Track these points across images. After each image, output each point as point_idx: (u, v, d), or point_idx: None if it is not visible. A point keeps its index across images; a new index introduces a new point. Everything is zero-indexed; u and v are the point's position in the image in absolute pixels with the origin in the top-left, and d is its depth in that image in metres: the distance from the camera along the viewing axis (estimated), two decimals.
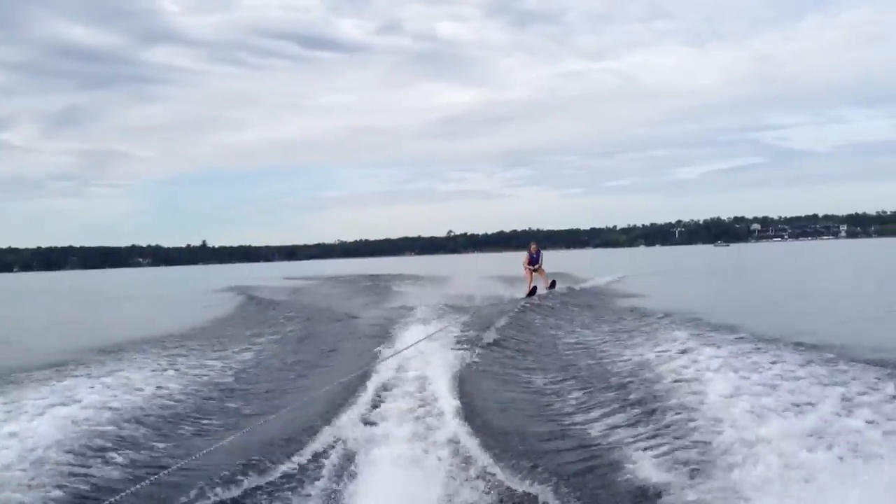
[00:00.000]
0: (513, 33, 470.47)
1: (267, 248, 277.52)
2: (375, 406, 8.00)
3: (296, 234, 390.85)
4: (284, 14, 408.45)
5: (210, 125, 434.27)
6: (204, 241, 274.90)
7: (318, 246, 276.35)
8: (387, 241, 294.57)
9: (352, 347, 13.34)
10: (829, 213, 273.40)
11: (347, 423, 7.32)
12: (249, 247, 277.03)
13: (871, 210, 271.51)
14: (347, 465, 6.16)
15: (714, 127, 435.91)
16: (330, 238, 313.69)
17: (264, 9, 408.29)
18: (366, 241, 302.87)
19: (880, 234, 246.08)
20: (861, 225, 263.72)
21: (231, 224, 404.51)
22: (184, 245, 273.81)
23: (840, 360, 9.24)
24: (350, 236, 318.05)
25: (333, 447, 6.62)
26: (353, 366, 10.42)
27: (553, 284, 23.05)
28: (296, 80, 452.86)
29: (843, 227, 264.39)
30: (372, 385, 8.84)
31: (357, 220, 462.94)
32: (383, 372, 9.57)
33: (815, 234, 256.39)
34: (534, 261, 22.71)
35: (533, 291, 22.11)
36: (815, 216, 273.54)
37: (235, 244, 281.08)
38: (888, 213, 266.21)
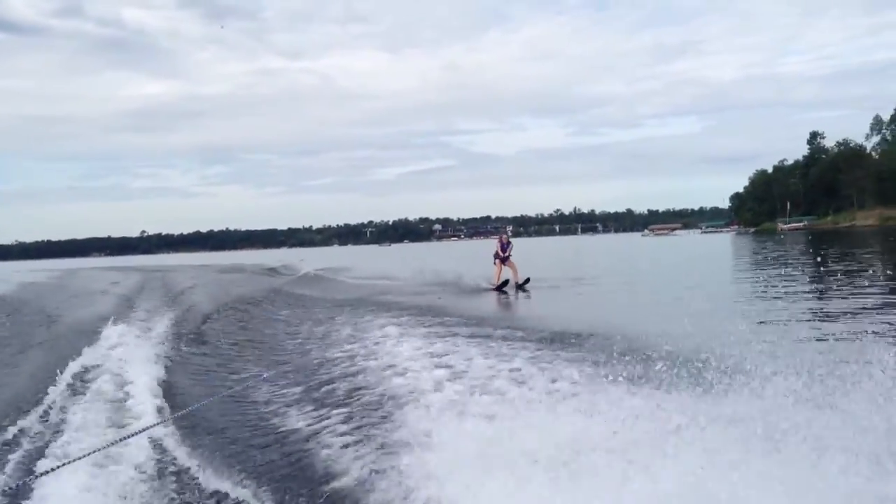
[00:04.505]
0: (207, 26, 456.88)
1: None
2: (65, 406, 7.50)
3: None
4: None
5: None
6: None
7: None
8: (73, 241, 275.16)
9: (51, 346, 12.54)
10: (501, 214, 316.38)
11: (33, 424, 6.85)
12: None
13: (532, 212, 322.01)
14: (28, 471, 5.42)
15: (410, 130, 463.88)
16: (5, 238, 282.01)
17: None
18: (49, 241, 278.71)
19: (538, 233, 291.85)
20: (524, 225, 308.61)
21: None
22: None
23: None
24: (30, 236, 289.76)
25: (14, 450, 6.02)
26: (47, 365, 9.88)
27: (527, 281, 21.21)
28: None
29: (510, 228, 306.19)
30: (62, 384, 8.37)
31: (37, 218, 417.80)
32: (78, 371, 9.14)
33: (487, 233, 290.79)
34: (504, 249, 21.53)
35: (504, 284, 20.89)
36: (488, 217, 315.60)
37: None
38: (545, 215, 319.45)
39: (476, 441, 4.95)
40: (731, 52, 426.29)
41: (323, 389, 7.79)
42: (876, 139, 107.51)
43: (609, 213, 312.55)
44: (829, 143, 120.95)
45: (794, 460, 3.89)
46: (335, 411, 6.72)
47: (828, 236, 63.88)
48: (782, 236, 76.61)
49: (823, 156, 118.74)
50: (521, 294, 20.07)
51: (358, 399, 7.03)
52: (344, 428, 6.13)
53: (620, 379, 5.95)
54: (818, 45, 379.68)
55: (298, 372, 9.06)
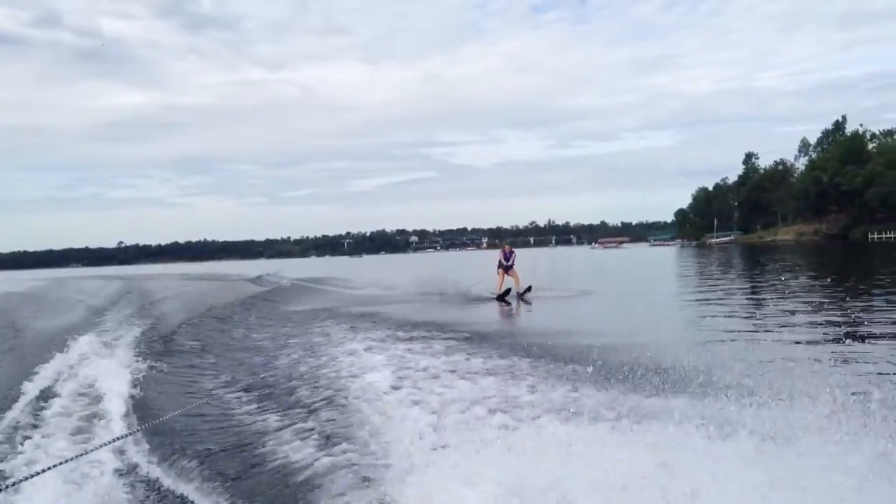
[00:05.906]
0: (185, 36, 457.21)
1: None
2: (35, 417, 7.39)
3: None
4: None
5: None
6: None
7: None
8: (50, 252, 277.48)
9: (20, 354, 12.51)
10: (476, 226, 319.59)
11: (3, 435, 6.70)
12: None
13: (507, 224, 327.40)
14: None
15: (390, 141, 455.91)
16: None
17: None
18: (25, 252, 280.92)
19: (513, 245, 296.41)
20: (499, 237, 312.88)
21: None
22: None
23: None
24: (6, 247, 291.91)
25: None
26: (15, 373, 9.90)
27: (528, 289, 21.84)
28: None
29: (485, 240, 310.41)
30: (30, 394, 8.33)
31: (14, 228, 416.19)
32: (46, 382, 9.02)
33: (463, 245, 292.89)
34: (507, 259, 22.27)
35: (506, 293, 21.50)
36: (464, 229, 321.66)
37: None
38: (520, 227, 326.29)
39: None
40: (708, 66, 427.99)
41: (312, 400, 7.67)
42: (804, 160, 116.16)
43: (583, 225, 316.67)
44: (766, 162, 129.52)
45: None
46: (314, 423, 6.67)
47: (746, 249, 71.79)
48: (714, 248, 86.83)
49: (756, 175, 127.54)
50: (522, 304, 20.44)
51: (337, 411, 6.99)
52: (315, 436, 6.16)
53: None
54: (793, 60, 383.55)
55: (287, 382, 8.89)
